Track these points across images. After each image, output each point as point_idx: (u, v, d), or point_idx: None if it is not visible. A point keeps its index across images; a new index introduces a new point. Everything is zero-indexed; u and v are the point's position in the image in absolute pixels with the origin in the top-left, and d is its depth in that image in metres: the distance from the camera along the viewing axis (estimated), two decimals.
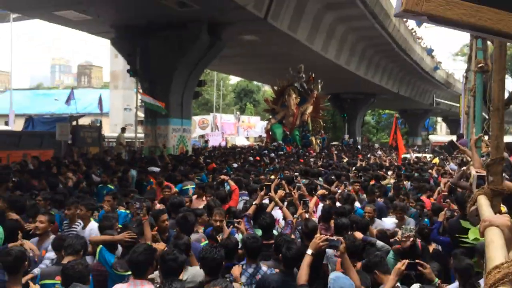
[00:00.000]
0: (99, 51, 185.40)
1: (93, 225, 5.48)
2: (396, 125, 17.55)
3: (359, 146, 35.06)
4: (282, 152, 20.43)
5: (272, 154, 18.64)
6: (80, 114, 23.87)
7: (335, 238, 3.83)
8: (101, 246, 4.45)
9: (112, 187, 8.47)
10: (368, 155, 22.51)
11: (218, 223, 5.14)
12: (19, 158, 13.66)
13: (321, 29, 22.06)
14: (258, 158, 16.36)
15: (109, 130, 41.32)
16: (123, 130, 19.99)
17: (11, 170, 10.32)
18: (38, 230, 4.93)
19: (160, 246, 4.45)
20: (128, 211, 6.15)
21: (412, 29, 31.48)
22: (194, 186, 8.47)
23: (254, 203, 5.58)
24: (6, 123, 42.39)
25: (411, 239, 4.40)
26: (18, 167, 10.87)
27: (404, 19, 27.37)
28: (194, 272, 3.93)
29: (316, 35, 22.02)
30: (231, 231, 5.18)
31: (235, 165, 13.47)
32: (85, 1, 15.26)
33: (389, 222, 5.79)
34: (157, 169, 10.59)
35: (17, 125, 34.44)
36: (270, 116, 27.42)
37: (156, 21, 17.25)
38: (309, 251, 3.65)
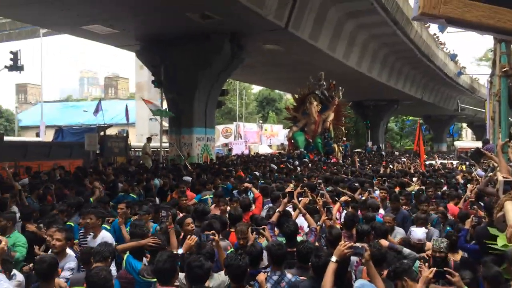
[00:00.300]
0: (125, 64, 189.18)
1: (104, 234, 5.33)
2: (419, 131, 17.45)
3: (383, 153, 34.62)
4: (306, 160, 20.36)
5: (297, 162, 18.61)
6: (107, 125, 24.32)
7: (359, 245, 3.77)
8: (127, 253, 4.49)
9: (134, 196, 8.53)
10: (393, 162, 22.22)
11: (189, 227, 5.36)
12: (50, 168, 14.00)
13: (342, 37, 21.98)
14: (282, 165, 16.32)
15: (135, 140, 42.01)
16: (149, 140, 20.26)
17: (41, 179, 10.60)
18: (55, 248, 4.63)
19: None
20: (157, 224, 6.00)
21: (435, 34, 31.04)
22: (212, 195, 8.45)
23: (277, 210, 5.55)
24: (37, 135, 43.58)
25: (443, 254, 4.33)
26: (46, 177, 11.17)
27: (426, 25, 27.10)
28: (221, 279, 3.95)
29: (337, 43, 21.95)
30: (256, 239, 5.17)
31: (257, 173, 13.48)
32: (112, 15, 15.64)
33: (419, 232, 5.62)
34: (189, 179, 10.69)
35: (48, 136, 35.33)
36: (292, 124, 27.35)
37: (180, 33, 17.51)
38: (334, 258, 3.60)
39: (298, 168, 15.67)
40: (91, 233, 5.43)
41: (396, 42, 25.11)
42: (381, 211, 7.47)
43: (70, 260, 4.63)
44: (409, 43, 25.42)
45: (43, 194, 8.36)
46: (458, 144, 41.72)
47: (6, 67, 22.00)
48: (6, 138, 19.63)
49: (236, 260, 3.61)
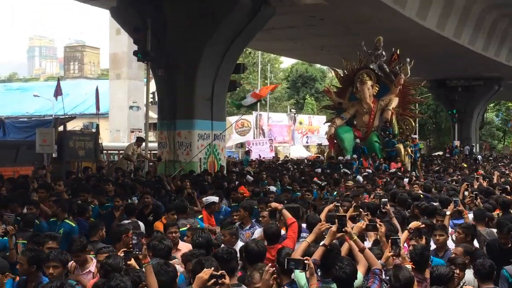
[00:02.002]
0: (94, 27, 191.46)
1: None
2: None
3: (479, 157, 34.16)
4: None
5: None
6: (68, 116, 24.69)
7: None
8: None
9: (73, 224, 8.61)
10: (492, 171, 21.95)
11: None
12: None
13: None
14: (316, 178, 16.12)
15: (109, 138, 42.46)
16: (139, 141, 20.16)
17: None
18: None
19: None
20: None
21: None
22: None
23: (322, 243, 5.52)
24: None
25: None
26: None
27: None
28: None
29: None
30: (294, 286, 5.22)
31: (273, 188, 13.44)
32: None
33: None
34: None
35: None
36: (334, 115, 27.13)
37: None
38: None
39: (350, 182, 15.56)
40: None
41: None
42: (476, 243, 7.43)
43: None
44: None
45: None
46: None
47: None
48: None
49: None
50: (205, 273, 4.55)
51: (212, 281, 4.51)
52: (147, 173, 17.41)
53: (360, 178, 17.81)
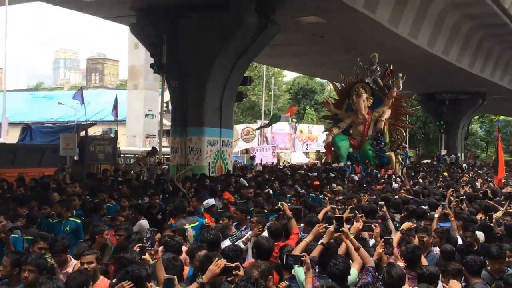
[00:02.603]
0: (114, 42, 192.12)
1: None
2: (498, 138, 17.76)
3: (464, 165, 34.07)
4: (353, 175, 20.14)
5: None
6: (90, 122, 24.76)
7: None
8: None
9: (78, 221, 8.58)
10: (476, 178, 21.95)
11: None
12: (13, 179, 14.25)
13: (409, 7, 21.84)
14: (317, 182, 16.07)
15: (126, 143, 42.56)
16: (153, 151, 20.21)
17: None
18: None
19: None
20: None
21: None
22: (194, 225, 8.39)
23: (320, 242, 5.53)
24: None
25: None
26: None
27: None
28: None
29: (402, 14, 21.82)
30: (294, 281, 5.19)
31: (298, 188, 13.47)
32: None
33: None
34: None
35: (11, 136, 36.04)
36: (332, 125, 27.09)
37: (189, 1, 17.72)
38: None
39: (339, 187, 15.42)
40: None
41: (485, 13, 24.77)
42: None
43: None
44: (502, 15, 25.01)
45: None
46: None
47: None
48: None
49: None
50: (217, 266, 4.59)
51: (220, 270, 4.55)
52: (157, 175, 17.41)
53: (355, 177, 17.89)
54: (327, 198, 10.99)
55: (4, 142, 32.09)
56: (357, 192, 13.41)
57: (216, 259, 4.83)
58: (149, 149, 23.32)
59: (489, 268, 6.06)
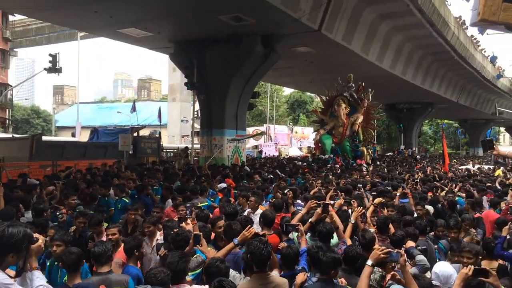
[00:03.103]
0: (158, 66, 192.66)
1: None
2: (443, 134, 17.93)
3: (418, 157, 33.83)
4: (329, 165, 20.01)
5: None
6: (140, 126, 24.82)
7: (395, 251, 3.72)
8: None
9: (127, 200, 8.26)
10: (426, 167, 21.80)
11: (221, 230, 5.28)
12: (84, 168, 14.36)
13: (376, 38, 21.71)
14: (306, 170, 15.73)
15: (167, 141, 42.67)
16: (186, 150, 20.21)
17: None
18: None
19: (211, 252, 4.70)
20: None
21: (473, 36, 30.21)
22: (205, 204, 8.01)
23: (309, 220, 5.38)
24: (73, 135, 44.92)
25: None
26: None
27: (464, 26, 26.41)
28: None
29: (371, 45, 21.69)
30: (291, 241, 5.16)
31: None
32: (148, 18, 15.97)
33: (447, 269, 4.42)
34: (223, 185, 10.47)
35: (83, 137, 36.31)
36: (319, 127, 26.97)
37: (213, 36, 17.71)
38: (369, 262, 3.56)
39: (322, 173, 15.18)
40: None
41: (432, 43, 24.60)
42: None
43: None
44: (445, 45, 24.86)
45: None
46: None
47: (45, 69, 22.71)
48: (44, 138, 20.30)
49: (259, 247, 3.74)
50: (249, 232, 4.51)
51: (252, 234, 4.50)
52: (186, 164, 17.53)
53: (337, 166, 17.91)
54: (314, 183, 10.89)
55: (78, 141, 32.31)
56: (338, 177, 13.26)
57: (249, 226, 4.74)
58: (184, 146, 23.39)
59: (449, 238, 5.95)
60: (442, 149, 17.74)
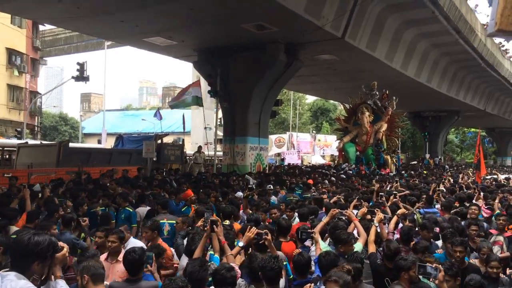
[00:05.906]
0: (182, 74, 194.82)
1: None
2: (479, 141, 17.07)
3: (446, 166, 33.10)
4: (350, 172, 19.73)
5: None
6: (164, 133, 25.06)
7: (433, 265, 3.64)
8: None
9: (131, 210, 7.93)
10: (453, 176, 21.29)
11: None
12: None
13: (401, 46, 21.45)
14: (311, 181, 14.54)
15: (190, 148, 42.94)
16: (200, 149, 20.43)
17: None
18: None
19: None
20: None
21: (500, 43, 29.54)
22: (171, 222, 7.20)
23: (324, 220, 5.45)
24: (99, 141, 45.74)
25: None
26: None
27: None
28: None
29: (395, 52, 21.44)
30: (306, 249, 5.13)
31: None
32: (172, 28, 16.21)
33: None
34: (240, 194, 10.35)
35: (109, 143, 36.89)
36: (342, 135, 26.72)
37: (236, 44, 17.82)
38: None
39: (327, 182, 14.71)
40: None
41: (458, 51, 24.16)
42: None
43: None
44: (472, 52, 24.37)
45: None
46: None
47: (73, 77, 23.27)
48: (71, 145, 20.71)
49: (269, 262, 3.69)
50: (251, 232, 4.58)
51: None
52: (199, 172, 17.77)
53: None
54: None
55: (104, 147, 32.83)
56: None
57: (249, 227, 4.79)
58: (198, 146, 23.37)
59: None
60: (479, 158, 16.78)
